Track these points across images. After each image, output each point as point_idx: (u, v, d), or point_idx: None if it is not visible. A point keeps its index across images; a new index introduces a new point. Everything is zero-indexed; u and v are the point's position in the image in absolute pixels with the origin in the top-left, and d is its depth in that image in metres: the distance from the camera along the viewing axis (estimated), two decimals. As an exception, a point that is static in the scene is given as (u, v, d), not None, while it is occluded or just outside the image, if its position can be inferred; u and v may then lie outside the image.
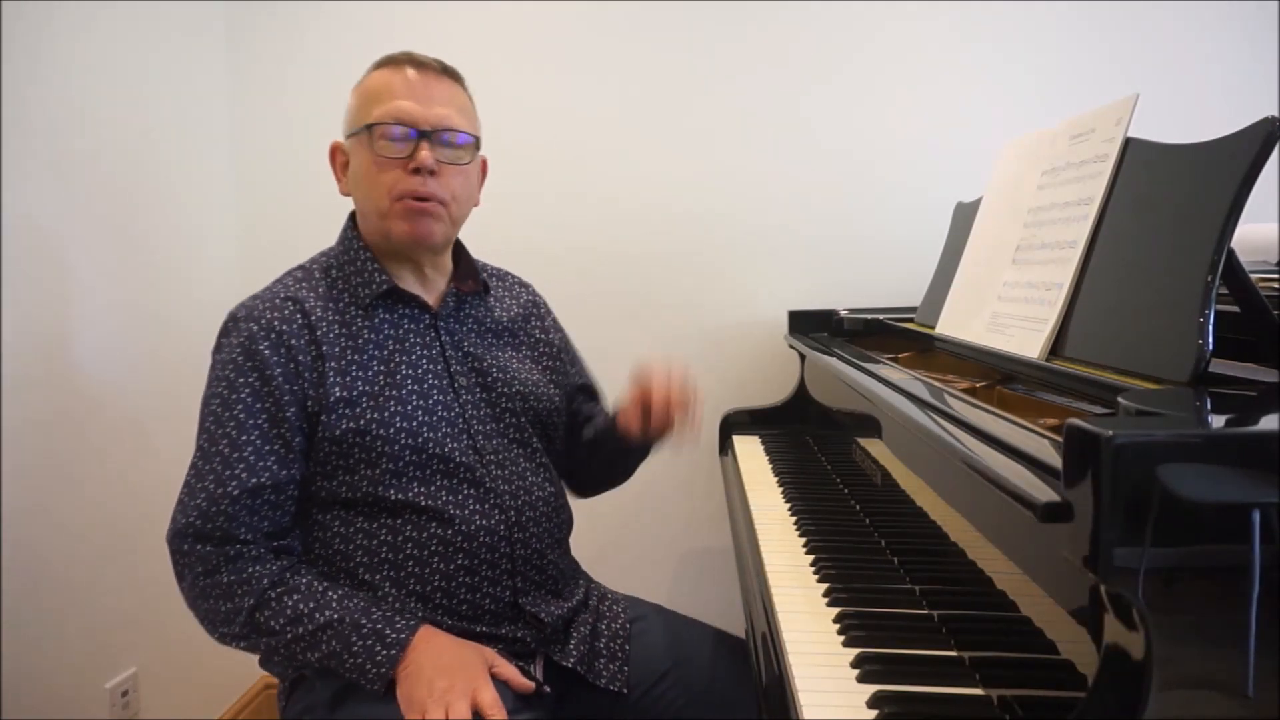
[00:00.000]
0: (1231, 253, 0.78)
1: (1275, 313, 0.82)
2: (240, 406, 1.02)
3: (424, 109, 1.09)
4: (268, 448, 1.02)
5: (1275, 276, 1.08)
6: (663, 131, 1.98)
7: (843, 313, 1.81)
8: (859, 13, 1.94)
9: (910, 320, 1.55)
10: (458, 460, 1.10)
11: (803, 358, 1.82)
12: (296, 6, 1.99)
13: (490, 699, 0.95)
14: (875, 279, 1.97)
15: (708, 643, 1.25)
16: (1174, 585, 0.53)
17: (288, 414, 1.03)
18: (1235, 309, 0.83)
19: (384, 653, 0.97)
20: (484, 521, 1.10)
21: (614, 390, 2.13)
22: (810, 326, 1.86)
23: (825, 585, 1.01)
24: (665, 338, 2.02)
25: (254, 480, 1.01)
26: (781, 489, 1.43)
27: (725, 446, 1.80)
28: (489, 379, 1.18)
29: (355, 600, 1.01)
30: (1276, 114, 0.78)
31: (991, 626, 0.78)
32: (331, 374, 1.05)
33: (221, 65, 2.00)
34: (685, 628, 1.27)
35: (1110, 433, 0.51)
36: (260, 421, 1.02)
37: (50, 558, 1.48)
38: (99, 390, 1.60)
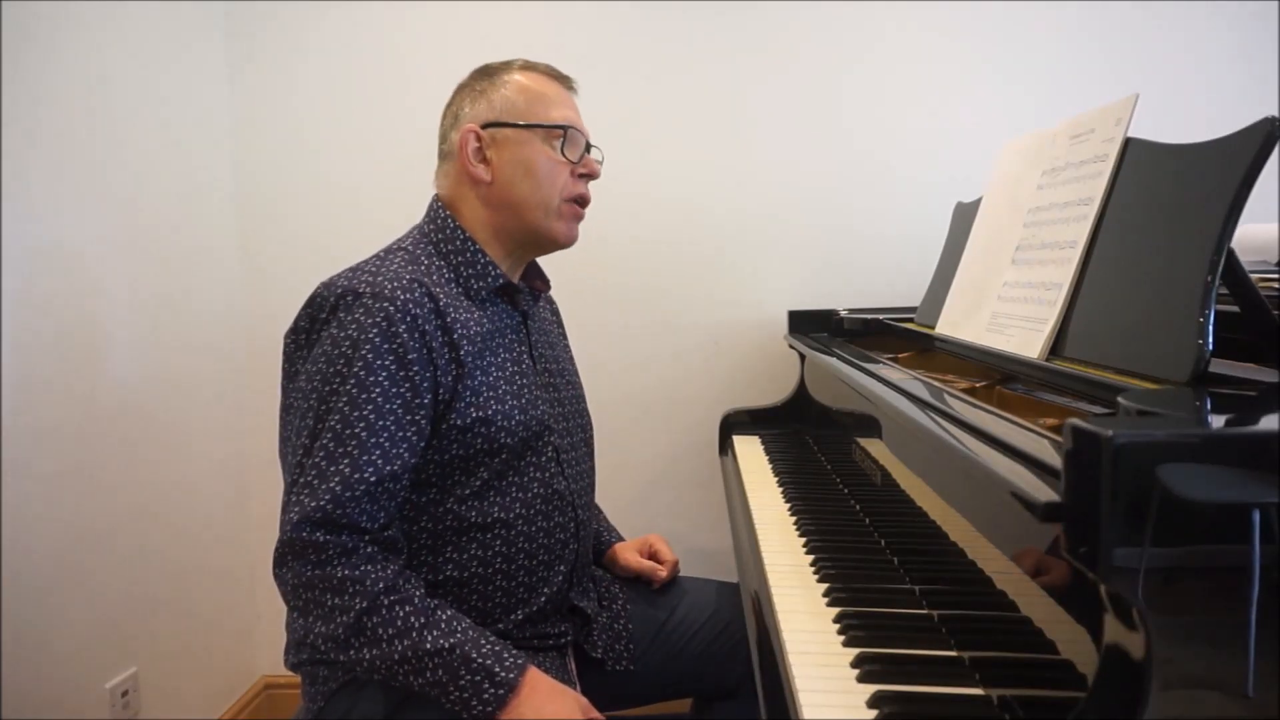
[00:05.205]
0: (1231, 253, 0.78)
1: (1275, 313, 0.82)
2: (378, 390, 0.98)
3: (584, 125, 1.17)
4: (401, 434, 0.98)
5: (1275, 276, 1.08)
6: (662, 132, 1.98)
7: (843, 313, 1.81)
8: (860, 16, 1.94)
9: (910, 320, 1.55)
10: (549, 455, 1.13)
11: (803, 358, 1.82)
12: (296, 6, 1.99)
13: None
14: (875, 279, 1.97)
15: (692, 586, 1.35)
16: (1174, 585, 0.53)
17: (423, 400, 1.00)
18: (1235, 309, 0.83)
19: (491, 691, 0.94)
20: (560, 518, 1.13)
21: (614, 392, 2.11)
22: (810, 326, 1.86)
23: (825, 585, 1.01)
24: (665, 338, 2.02)
25: (389, 468, 0.97)
26: (781, 489, 1.43)
27: (725, 446, 1.80)
28: (559, 380, 1.22)
29: (462, 623, 0.98)
30: (1276, 114, 0.78)
31: (991, 626, 0.78)
32: (462, 363, 1.04)
33: (221, 65, 1.99)
34: (667, 583, 1.34)
35: (1110, 432, 0.51)
36: (395, 406, 0.98)
37: (50, 557, 1.48)
38: (98, 389, 1.60)
